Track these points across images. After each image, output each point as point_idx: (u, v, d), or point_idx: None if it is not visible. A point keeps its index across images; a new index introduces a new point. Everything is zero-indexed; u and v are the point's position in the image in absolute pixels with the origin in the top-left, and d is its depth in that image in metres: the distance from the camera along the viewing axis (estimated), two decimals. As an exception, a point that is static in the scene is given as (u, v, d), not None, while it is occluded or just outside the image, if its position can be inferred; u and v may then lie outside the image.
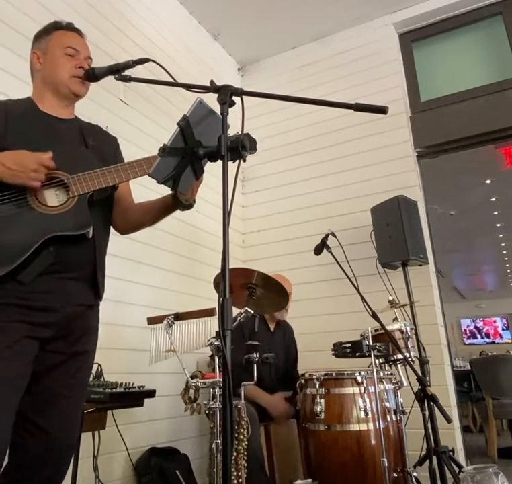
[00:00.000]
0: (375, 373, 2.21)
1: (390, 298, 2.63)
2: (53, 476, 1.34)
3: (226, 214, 1.07)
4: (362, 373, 2.29)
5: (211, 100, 1.23)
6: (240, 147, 1.14)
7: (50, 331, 1.29)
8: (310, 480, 2.24)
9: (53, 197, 1.32)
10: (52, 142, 1.39)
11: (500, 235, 8.06)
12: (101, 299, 1.46)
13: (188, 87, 1.32)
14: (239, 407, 2.10)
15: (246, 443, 2.10)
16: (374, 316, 2.33)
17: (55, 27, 1.51)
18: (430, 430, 2.40)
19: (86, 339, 1.40)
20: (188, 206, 1.46)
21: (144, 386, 2.08)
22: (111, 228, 1.58)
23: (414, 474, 2.25)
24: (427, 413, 2.38)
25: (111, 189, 1.50)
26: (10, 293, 1.24)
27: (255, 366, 2.23)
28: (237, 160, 1.16)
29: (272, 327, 2.95)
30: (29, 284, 1.25)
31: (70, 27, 1.53)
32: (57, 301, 1.31)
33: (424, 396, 2.15)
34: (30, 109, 1.43)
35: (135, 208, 1.60)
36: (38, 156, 1.26)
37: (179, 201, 1.43)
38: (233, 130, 1.19)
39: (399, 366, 2.44)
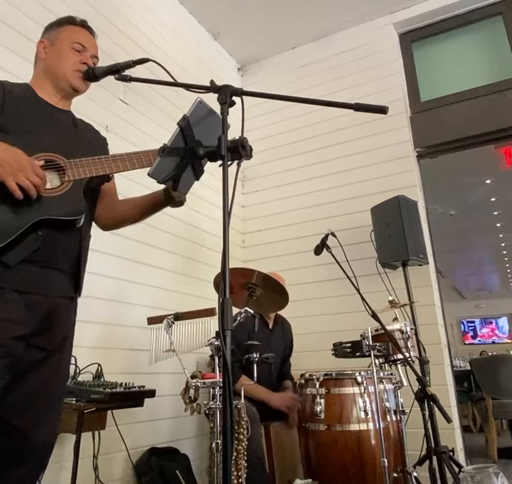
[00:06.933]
0: (375, 373, 2.21)
1: (390, 298, 2.63)
2: (27, 475, 1.27)
3: (226, 214, 1.07)
4: (362, 373, 2.29)
5: (212, 100, 1.23)
6: (240, 147, 1.14)
7: (31, 325, 1.24)
8: (310, 480, 2.24)
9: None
10: (47, 125, 1.36)
11: (500, 235, 8.06)
12: (80, 294, 1.41)
13: (188, 87, 1.31)
14: (239, 407, 2.10)
15: (246, 443, 2.10)
16: (374, 316, 2.33)
17: (68, 21, 1.50)
18: (430, 430, 2.40)
19: (65, 334, 1.35)
20: (179, 202, 1.43)
21: (144, 386, 2.08)
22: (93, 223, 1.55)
23: (414, 474, 2.25)
24: (427, 413, 2.38)
25: (103, 181, 1.47)
26: None
27: (255, 366, 2.23)
28: (237, 161, 1.16)
29: (271, 325, 2.95)
30: (13, 269, 1.20)
31: (83, 24, 1.52)
32: (40, 291, 1.26)
33: (424, 396, 2.15)
34: (28, 93, 1.41)
35: (120, 203, 1.58)
36: (34, 163, 1.20)
37: (171, 197, 1.41)
38: (233, 129, 1.19)
39: (399, 366, 2.43)
